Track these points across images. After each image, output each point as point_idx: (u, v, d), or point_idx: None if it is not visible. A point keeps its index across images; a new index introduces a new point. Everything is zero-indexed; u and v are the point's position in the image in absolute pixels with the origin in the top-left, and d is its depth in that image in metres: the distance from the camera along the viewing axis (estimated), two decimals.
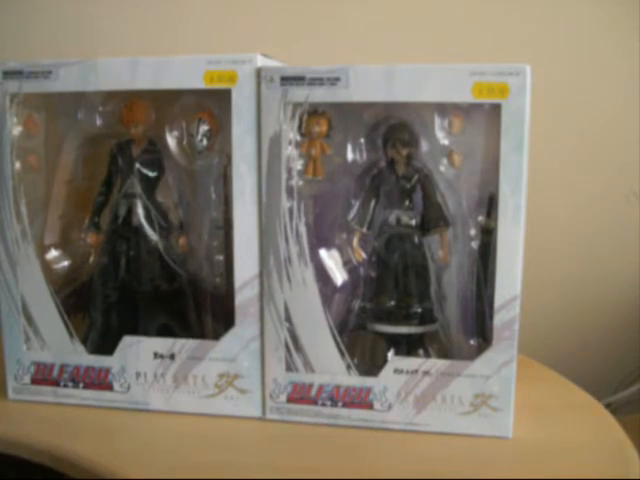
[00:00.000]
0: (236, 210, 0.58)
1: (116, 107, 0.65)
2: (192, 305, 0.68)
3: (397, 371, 0.59)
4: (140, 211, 0.64)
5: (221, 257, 0.66)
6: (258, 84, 0.57)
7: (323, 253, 0.62)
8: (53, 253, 0.68)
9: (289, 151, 0.57)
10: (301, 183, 0.59)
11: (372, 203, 0.62)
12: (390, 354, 0.61)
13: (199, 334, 0.66)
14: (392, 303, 0.62)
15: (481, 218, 0.60)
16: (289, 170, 0.58)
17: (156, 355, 0.62)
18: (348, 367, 0.60)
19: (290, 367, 0.60)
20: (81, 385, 0.64)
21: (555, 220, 0.93)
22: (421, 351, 0.62)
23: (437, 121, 0.60)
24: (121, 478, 0.52)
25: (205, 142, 0.64)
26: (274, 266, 0.59)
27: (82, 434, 0.59)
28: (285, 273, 0.59)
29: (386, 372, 0.59)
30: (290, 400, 0.61)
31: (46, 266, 0.65)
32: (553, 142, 0.89)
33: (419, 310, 0.62)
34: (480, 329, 0.61)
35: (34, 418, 0.62)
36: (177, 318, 0.67)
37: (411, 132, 0.60)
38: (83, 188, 0.68)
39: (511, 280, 0.55)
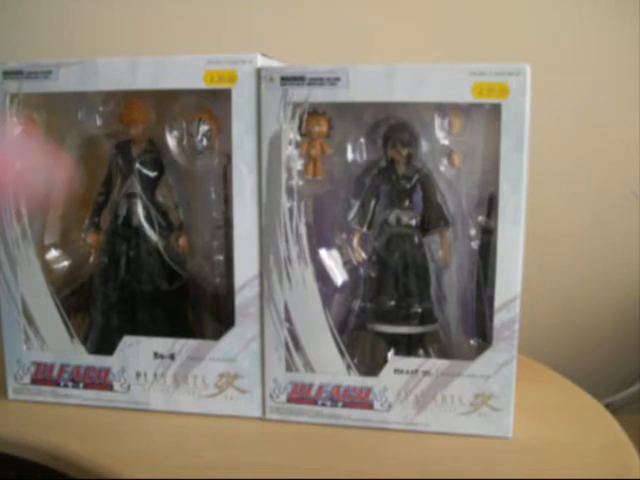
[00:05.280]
0: (236, 210, 0.58)
1: (116, 107, 0.65)
2: (192, 305, 0.68)
3: (397, 371, 0.59)
4: (140, 211, 0.64)
5: (221, 257, 0.66)
6: (258, 84, 0.57)
7: (323, 253, 0.62)
8: (53, 253, 0.68)
9: (289, 151, 0.57)
10: (301, 183, 0.59)
11: (372, 203, 0.62)
12: (390, 354, 0.61)
13: (199, 334, 0.66)
14: (392, 303, 0.62)
15: (481, 218, 0.60)
16: (289, 170, 0.58)
17: (156, 355, 0.62)
18: (348, 367, 0.60)
19: (290, 367, 0.60)
20: (81, 385, 0.64)
21: (555, 220, 0.93)
22: (421, 351, 0.62)
23: (437, 121, 0.60)
24: (121, 478, 0.52)
25: (205, 142, 0.64)
26: (274, 266, 0.59)
27: (82, 434, 0.59)
28: (285, 273, 0.59)
29: (386, 372, 0.59)
30: (290, 400, 0.61)
31: (46, 266, 0.65)
32: (553, 142, 0.89)
33: (419, 310, 0.62)
34: (480, 329, 0.61)
35: (34, 418, 0.62)
36: (177, 318, 0.67)
37: (411, 132, 0.60)
38: (83, 188, 0.68)
39: (511, 280, 0.55)
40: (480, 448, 0.57)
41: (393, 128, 0.60)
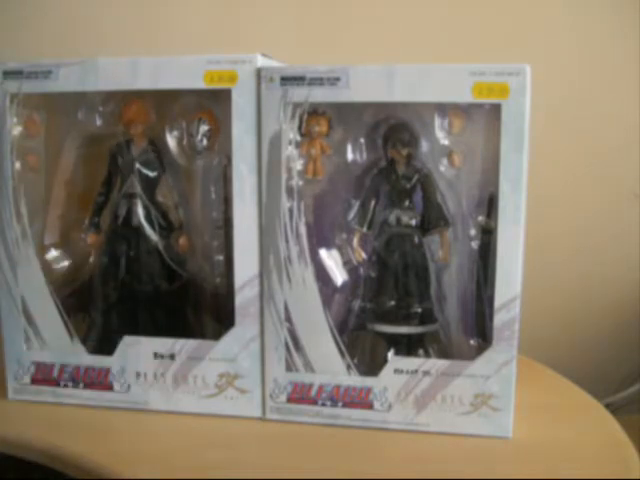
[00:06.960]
0: (236, 210, 0.58)
1: (116, 107, 0.65)
2: (192, 305, 0.68)
3: (397, 371, 0.59)
4: (140, 211, 0.65)
5: (221, 257, 0.66)
6: (258, 84, 0.57)
7: (323, 253, 0.62)
8: (53, 253, 0.68)
9: (289, 151, 0.57)
10: (301, 183, 0.59)
11: (372, 203, 0.62)
12: (390, 354, 0.61)
13: (199, 334, 0.66)
14: (392, 303, 0.62)
15: (481, 218, 0.60)
16: (289, 170, 0.58)
17: (156, 355, 0.62)
18: (348, 367, 0.60)
19: (290, 367, 0.60)
20: (81, 385, 0.64)
21: (555, 220, 0.93)
22: (421, 351, 0.62)
23: (437, 121, 0.60)
24: (121, 478, 0.52)
25: (205, 142, 0.64)
26: (274, 266, 0.59)
27: (82, 434, 0.59)
28: (285, 273, 0.59)
29: (386, 372, 0.59)
30: (290, 400, 0.61)
31: (46, 266, 0.65)
32: (553, 142, 0.89)
33: (419, 310, 0.62)
34: (480, 329, 0.61)
35: (34, 418, 0.62)
36: (177, 318, 0.67)
37: (411, 132, 0.60)
38: (83, 188, 0.68)
39: (511, 280, 0.55)
40: (480, 448, 0.57)
41: (393, 128, 0.60)
